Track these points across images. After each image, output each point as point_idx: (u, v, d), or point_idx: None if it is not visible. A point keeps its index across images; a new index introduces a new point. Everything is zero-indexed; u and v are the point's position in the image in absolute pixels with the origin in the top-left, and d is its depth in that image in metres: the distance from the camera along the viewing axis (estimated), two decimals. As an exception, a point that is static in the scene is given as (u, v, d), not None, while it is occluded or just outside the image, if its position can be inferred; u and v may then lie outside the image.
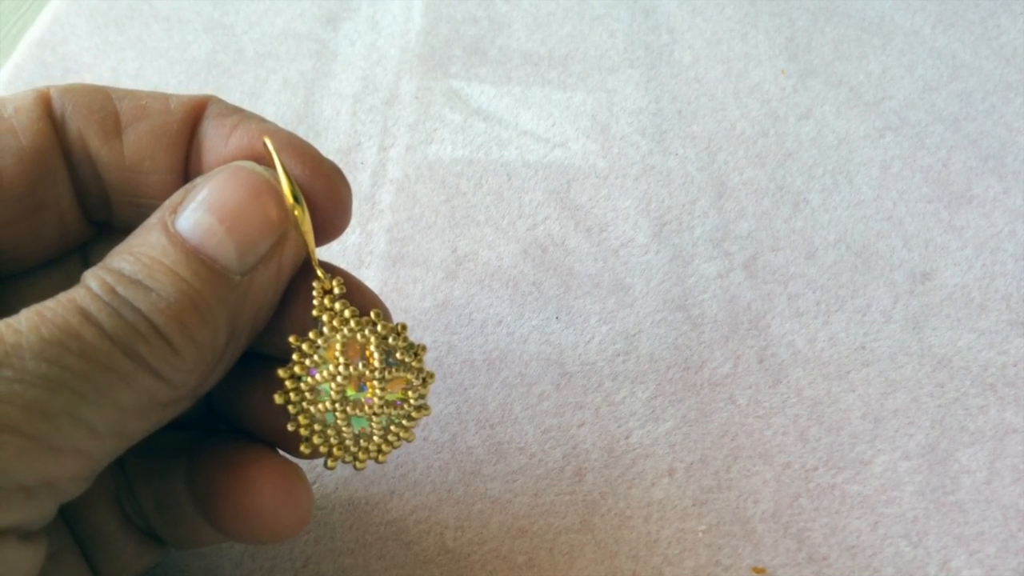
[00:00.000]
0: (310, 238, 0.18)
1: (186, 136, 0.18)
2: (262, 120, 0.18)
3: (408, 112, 0.35)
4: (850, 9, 0.41)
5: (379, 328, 0.18)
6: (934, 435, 0.26)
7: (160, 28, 0.38)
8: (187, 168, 0.18)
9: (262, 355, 0.19)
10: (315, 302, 0.18)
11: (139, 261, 0.15)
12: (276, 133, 0.18)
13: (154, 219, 0.16)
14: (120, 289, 0.15)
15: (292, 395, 0.18)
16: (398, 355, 0.18)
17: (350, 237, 0.30)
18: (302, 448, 0.18)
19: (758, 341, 0.28)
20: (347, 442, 0.18)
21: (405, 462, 0.25)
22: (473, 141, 0.34)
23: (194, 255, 0.16)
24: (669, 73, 0.37)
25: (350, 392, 0.18)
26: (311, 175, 0.18)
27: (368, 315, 0.18)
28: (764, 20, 0.40)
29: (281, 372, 0.18)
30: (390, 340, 0.18)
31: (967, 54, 0.39)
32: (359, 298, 0.18)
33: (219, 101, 0.18)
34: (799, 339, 0.28)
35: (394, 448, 0.19)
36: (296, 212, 0.17)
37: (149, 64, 0.36)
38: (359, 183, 0.32)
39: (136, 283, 0.15)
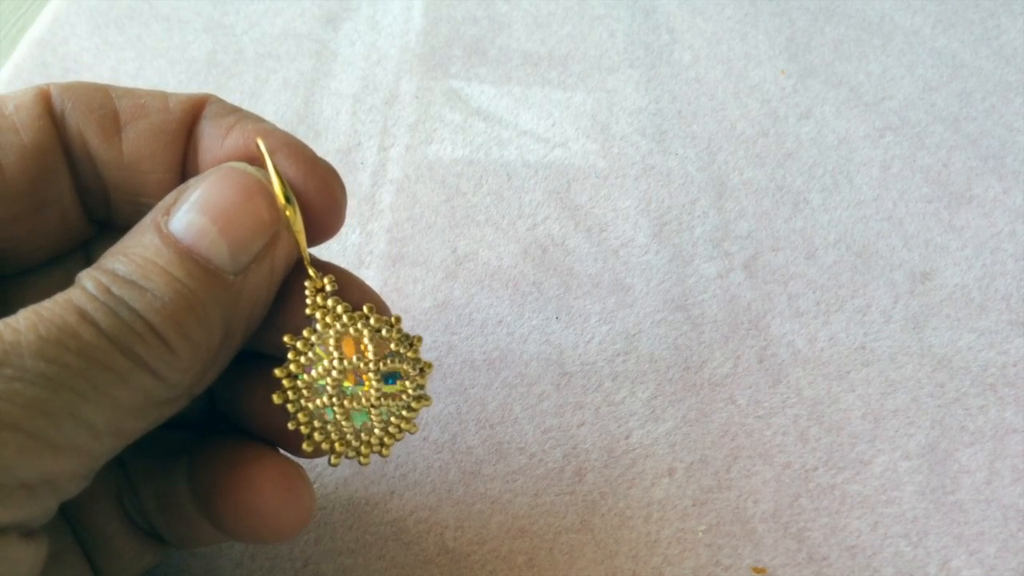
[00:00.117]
0: (302, 238, 0.18)
1: (184, 135, 0.18)
2: (259, 120, 0.18)
3: (408, 112, 0.35)
4: (850, 9, 0.41)
5: (372, 321, 0.18)
6: (934, 435, 0.26)
7: (160, 28, 0.38)
8: (184, 167, 0.18)
9: (263, 355, 0.19)
10: (308, 301, 0.18)
11: (133, 262, 0.15)
12: (271, 133, 0.18)
13: (147, 220, 0.16)
14: (115, 289, 0.15)
15: (290, 393, 0.18)
16: (392, 346, 0.18)
17: (350, 237, 0.30)
18: (304, 446, 0.18)
19: (758, 341, 0.28)
20: (348, 437, 0.18)
21: (405, 462, 0.25)
22: (473, 141, 0.34)
23: (187, 255, 0.16)
24: (669, 73, 0.37)
25: (347, 386, 0.18)
26: (305, 176, 0.18)
27: (361, 310, 0.18)
28: (764, 20, 0.40)
29: (278, 372, 0.18)
30: (383, 332, 0.18)
31: (967, 54, 0.39)
32: (353, 293, 0.19)
33: (217, 100, 0.19)
34: (799, 339, 0.28)
35: (397, 440, 0.19)
36: (288, 212, 0.17)
37: (149, 64, 0.36)
38: (359, 183, 0.32)
39: (131, 283, 0.15)
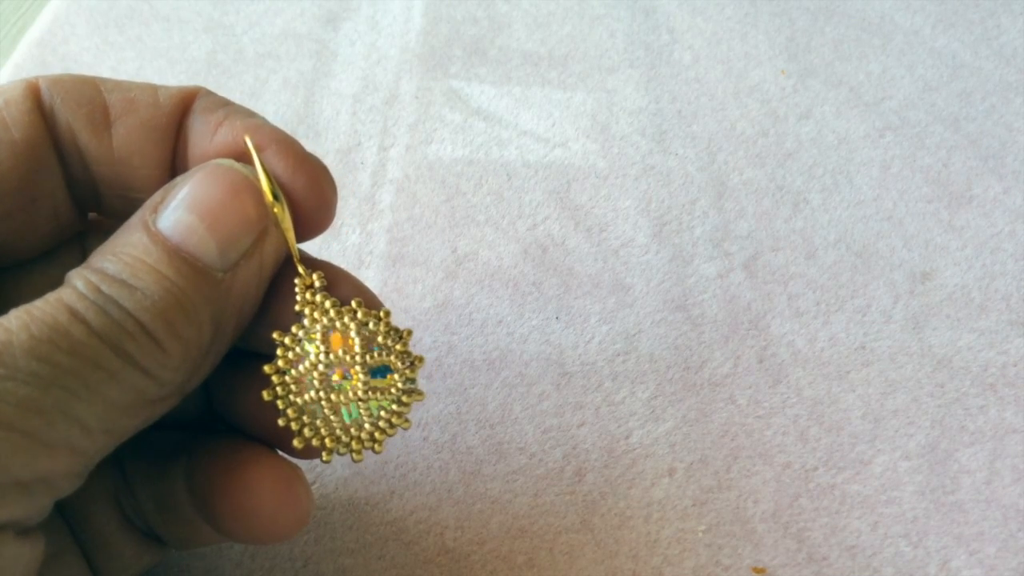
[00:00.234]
0: (290, 235, 0.18)
1: (174, 130, 0.18)
2: (250, 114, 0.18)
3: (408, 112, 0.35)
4: (850, 9, 0.41)
5: (359, 315, 0.18)
6: (934, 435, 0.26)
7: (160, 28, 0.38)
8: (174, 162, 0.18)
9: (257, 354, 0.19)
10: (298, 297, 0.18)
11: (122, 261, 0.15)
12: (260, 129, 0.18)
13: (135, 219, 0.16)
14: (105, 288, 0.15)
15: (279, 389, 0.18)
16: (380, 339, 0.18)
17: (350, 237, 0.30)
18: (294, 442, 0.18)
19: (758, 341, 0.28)
20: (338, 432, 0.18)
21: (405, 462, 0.25)
22: (473, 141, 0.34)
23: (176, 253, 0.16)
24: (669, 73, 0.37)
25: (335, 380, 0.18)
26: (294, 171, 0.18)
27: (349, 304, 0.18)
28: (764, 20, 0.40)
29: (267, 368, 0.18)
30: (371, 326, 0.18)
31: (967, 54, 0.39)
32: (344, 289, 0.18)
33: (207, 93, 0.18)
34: (799, 339, 0.28)
35: (389, 435, 0.19)
36: (276, 209, 0.17)
37: (149, 64, 0.36)
38: (359, 183, 0.32)
39: (121, 282, 0.15)
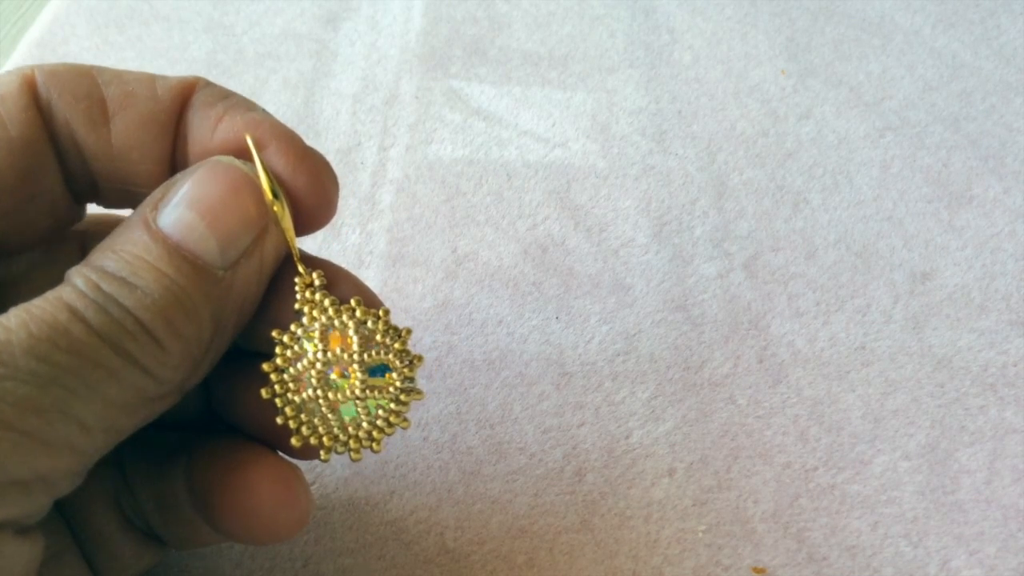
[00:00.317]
0: (290, 233, 0.18)
1: (173, 124, 0.18)
2: (250, 107, 0.18)
3: (408, 112, 0.35)
4: (850, 9, 0.41)
5: (358, 313, 0.18)
6: (934, 435, 0.26)
7: (160, 28, 0.38)
8: (174, 157, 0.18)
9: (257, 353, 0.19)
10: (297, 295, 0.18)
11: (122, 259, 0.15)
12: (261, 124, 0.17)
13: (135, 216, 0.16)
14: (105, 286, 0.15)
15: (277, 387, 0.18)
16: (378, 338, 0.18)
17: (350, 237, 0.30)
18: (292, 440, 0.18)
19: (758, 341, 0.28)
20: (336, 431, 0.18)
21: (405, 462, 0.25)
22: (473, 141, 0.34)
23: (176, 251, 0.16)
24: (669, 73, 0.37)
25: (333, 379, 0.18)
26: (295, 167, 0.17)
27: (349, 303, 0.18)
28: (764, 20, 0.40)
29: (265, 366, 0.18)
30: (369, 324, 0.18)
31: (967, 54, 0.39)
32: (344, 288, 0.18)
33: (207, 85, 0.18)
34: (799, 339, 0.28)
35: (387, 435, 0.19)
36: (275, 207, 0.17)
37: (149, 64, 0.36)
38: (359, 183, 0.32)
39: (120, 280, 0.15)
